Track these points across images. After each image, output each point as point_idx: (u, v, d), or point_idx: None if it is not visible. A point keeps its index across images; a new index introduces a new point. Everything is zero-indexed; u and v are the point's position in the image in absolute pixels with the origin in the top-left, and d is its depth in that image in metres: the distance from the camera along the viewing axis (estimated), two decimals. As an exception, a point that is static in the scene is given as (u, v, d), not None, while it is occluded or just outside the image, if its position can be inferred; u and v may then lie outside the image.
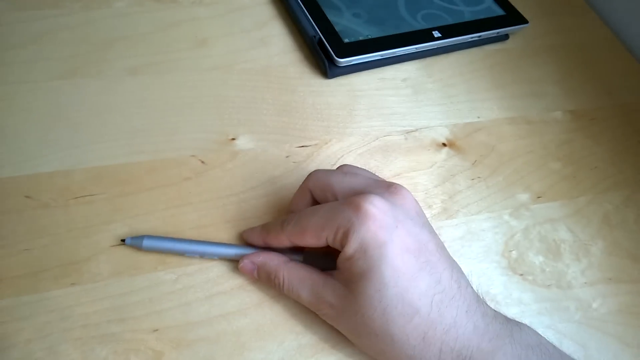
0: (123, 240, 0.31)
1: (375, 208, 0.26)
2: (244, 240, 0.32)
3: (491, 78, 0.46)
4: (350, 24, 0.44)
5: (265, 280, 0.30)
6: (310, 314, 0.30)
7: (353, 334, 0.28)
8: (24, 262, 0.30)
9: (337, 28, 0.43)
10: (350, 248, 0.26)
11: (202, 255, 0.31)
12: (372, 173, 0.32)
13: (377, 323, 0.26)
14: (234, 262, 0.32)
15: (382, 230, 0.26)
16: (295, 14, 0.45)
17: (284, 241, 0.30)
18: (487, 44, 0.48)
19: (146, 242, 0.30)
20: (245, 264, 0.31)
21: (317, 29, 0.43)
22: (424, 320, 0.25)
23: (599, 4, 0.55)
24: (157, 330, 0.29)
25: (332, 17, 0.44)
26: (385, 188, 0.29)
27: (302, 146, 0.38)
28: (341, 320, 0.28)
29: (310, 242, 0.29)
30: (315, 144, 0.38)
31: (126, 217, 0.32)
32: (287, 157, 0.37)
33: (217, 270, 0.31)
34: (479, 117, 0.43)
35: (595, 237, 0.37)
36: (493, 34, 0.48)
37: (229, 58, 0.42)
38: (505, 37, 0.49)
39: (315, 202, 0.31)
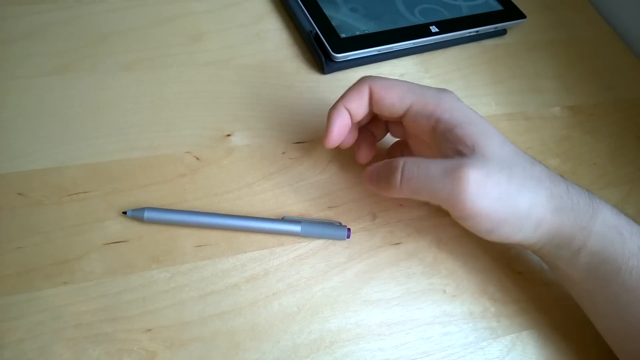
0: (125, 212, 0.31)
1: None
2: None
3: (489, 73, 0.45)
4: (347, 19, 0.44)
5: (385, 175, 0.29)
6: (306, 314, 0.30)
7: (505, 197, 0.27)
8: (16, 260, 0.29)
9: (333, 23, 0.43)
10: (450, 113, 0.29)
11: (202, 226, 0.31)
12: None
13: (517, 171, 0.28)
14: (230, 261, 0.31)
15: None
16: (291, 8, 0.44)
17: (365, 94, 0.31)
18: (485, 39, 0.48)
19: (147, 214, 0.31)
20: (367, 172, 0.31)
21: (314, 24, 0.42)
22: (543, 167, 0.29)
23: (598, -2, 0.55)
24: (150, 330, 0.28)
25: (328, 11, 0.44)
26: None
27: (299, 142, 0.37)
28: (490, 185, 0.27)
29: (390, 101, 0.30)
30: (312, 140, 0.38)
31: (120, 214, 0.32)
32: (283, 153, 0.37)
33: (212, 269, 0.31)
34: (477, 113, 0.42)
35: (594, 234, 0.37)
36: (491, 29, 0.47)
37: (224, 53, 0.41)
38: (503, 32, 0.49)
39: (371, 107, 0.32)
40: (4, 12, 0.40)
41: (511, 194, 0.27)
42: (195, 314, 0.29)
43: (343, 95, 0.32)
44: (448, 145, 0.29)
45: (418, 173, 0.28)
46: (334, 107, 0.32)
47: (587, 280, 0.29)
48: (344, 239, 0.33)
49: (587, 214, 0.28)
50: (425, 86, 0.31)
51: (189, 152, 0.35)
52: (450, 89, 0.31)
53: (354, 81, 0.42)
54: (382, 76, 0.31)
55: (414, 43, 0.44)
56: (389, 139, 0.37)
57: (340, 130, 0.32)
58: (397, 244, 0.34)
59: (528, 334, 0.32)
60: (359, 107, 0.31)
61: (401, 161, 0.29)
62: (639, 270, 0.27)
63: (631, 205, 0.39)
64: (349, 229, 0.33)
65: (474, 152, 0.28)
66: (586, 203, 0.29)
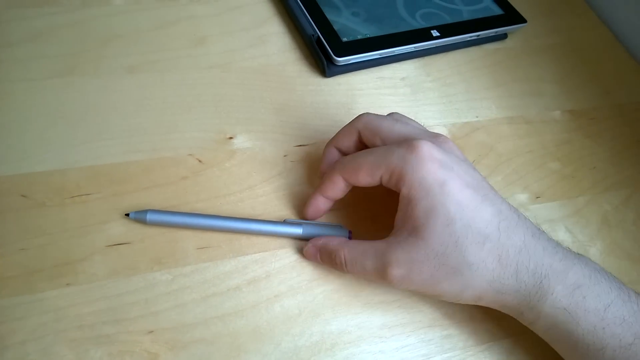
0: (127, 214, 0.31)
1: (432, 150, 0.28)
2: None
3: (490, 77, 0.46)
4: (348, 23, 0.44)
5: (328, 262, 0.31)
6: (308, 316, 0.30)
7: (430, 283, 0.28)
8: (20, 262, 0.30)
9: (335, 27, 0.43)
10: (409, 188, 0.28)
11: (205, 228, 0.32)
12: (419, 124, 0.33)
13: (452, 257, 0.27)
14: (232, 264, 0.31)
15: (441, 170, 0.28)
16: (293, 12, 0.44)
17: (339, 182, 0.31)
18: (486, 43, 0.48)
19: (150, 216, 0.31)
20: (309, 248, 0.32)
21: (316, 28, 0.43)
22: (495, 244, 0.27)
23: (598, 3, 0.55)
24: (152, 331, 0.28)
25: (330, 15, 0.44)
26: (434, 137, 0.30)
27: (300, 145, 0.38)
28: (414, 275, 0.28)
29: (364, 180, 0.30)
30: (314, 143, 0.38)
31: (122, 216, 0.32)
32: (285, 156, 0.37)
33: (214, 271, 0.31)
34: (477, 117, 0.42)
35: (594, 237, 0.37)
36: (491, 33, 0.47)
37: (227, 56, 0.42)
38: (503, 36, 0.49)
39: (360, 143, 0.33)
40: (9, 15, 0.40)
41: (438, 280, 0.27)
42: (197, 315, 0.29)
43: (319, 187, 0.33)
44: (399, 214, 0.29)
45: (355, 265, 0.29)
46: (311, 198, 0.33)
47: (549, 338, 0.29)
48: None
49: (534, 296, 0.27)
50: (394, 145, 0.29)
51: (191, 154, 0.36)
52: (418, 142, 0.29)
53: (355, 85, 0.42)
54: (349, 156, 0.31)
55: (415, 47, 0.44)
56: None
57: (319, 212, 0.34)
58: (398, 246, 0.34)
59: (527, 337, 0.32)
60: (337, 193, 0.32)
61: (342, 254, 0.30)
62: (595, 346, 0.26)
63: (632, 208, 0.39)
64: (350, 231, 0.33)
65: (412, 234, 0.28)
66: (534, 284, 0.27)
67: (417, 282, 0.28)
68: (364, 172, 0.30)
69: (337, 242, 0.31)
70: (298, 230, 0.32)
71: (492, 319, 0.32)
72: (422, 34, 0.44)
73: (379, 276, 0.29)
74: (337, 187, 0.32)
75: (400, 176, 0.28)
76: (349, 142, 0.33)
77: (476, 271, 0.27)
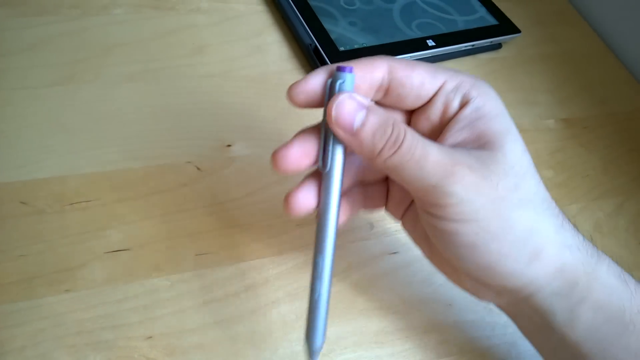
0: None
1: None
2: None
3: (485, 86, 0.46)
4: (345, 32, 0.44)
5: (373, 136, 0.22)
6: (304, 322, 0.30)
7: (501, 207, 0.22)
8: (19, 268, 0.30)
9: (332, 36, 0.44)
10: (484, 99, 0.23)
11: None
12: None
13: (528, 184, 0.23)
14: (230, 270, 0.32)
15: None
16: (291, 21, 0.45)
17: (379, 68, 0.23)
18: (480, 53, 0.49)
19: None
20: (346, 105, 0.22)
21: (313, 37, 0.43)
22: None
23: (591, 13, 0.56)
24: (151, 337, 0.29)
25: (327, 25, 0.45)
26: None
27: (298, 153, 0.38)
28: (486, 187, 0.22)
29: (418, 78, 0.23)
30: (311, 151, 0.38)
31: (121, 223, 0.32)
32: (282, 164, 0.37)
33: (212, 277, 0.31)
34: (472, 125, 0.43)
35: (588, 244, 0.37)
36: (486, 43, 0.48)
37: (225, 65, 0.42)
38: (498, 46, 0.50)
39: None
40: (9, 24, 0.41)
41: (510, 204, 0.22)
42: (195, 321, 0.30)
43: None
44: (464, 131, 0.23)
45: (416, 148, 0.22)
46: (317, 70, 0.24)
47: (585, 343, 0.23)
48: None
49: (592, 256, 0.23)
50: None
51: (190, 162, 0.36)
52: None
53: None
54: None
55: (411, 56, 0.45)
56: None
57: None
58: (395, 253, 0.35)
59: (525, 343, 0.33)
60: (366, 80, 0.24)
61: (402, 126, 0.22)
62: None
63: (624, 216, 0.40)
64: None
65: (482, 150, 0.23)
66: (589, 245, 0.24)
67: (487, 197, 0.22)
68: (423, 69, 0.24)
69: (394, 115, 0.24)
70: None
71: (487, 326, 0.33)
72: (417, 44, 0.45)
73: (439, 178, 0.21)
74: (372, 73, 0.23)
75: (472, 86, 0.24)
76: (367, 75, 0.24)
77: (546, 209, 0.23)
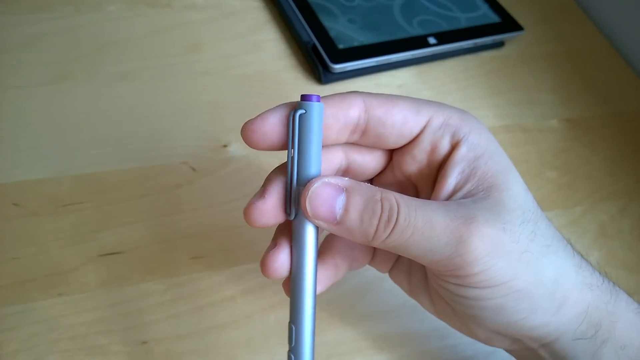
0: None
1: None
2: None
3: (486, 85, 0.46)
4: (345, 30, 0.44)
5: (361, 220, 0.19)
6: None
7: (522, 260, 0.20)
8: (11, 271, 0.29)
9: (331, 34, 0.43)
10: (478, 137, 0.21)
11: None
12: None
13: (542, 225, 0.21)
14: (226, 274, 0.31)
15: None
16: (289, 18, 0.44)
17: (354, 106, 0.21)
18: (483, 51, 0.48)
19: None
20: (320, 194, 0.19)
21: (312, 35, 0.42)
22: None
23: (595, 11, 0.55)
24: (145, 342, 0.28)
25: (326, 22, 0.44)
26: None
27: (296, 153, 0.37)
28: (504, 248, 0.20)
29: (399, 116, 0.21)
30: (309, 152, 0.38)
31: (115, 225, 0.32)
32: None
33: (208, 281, 0.31)
34: (474, 125, 0.42)
35: (591, 247, 0.37)
36: (488, 40, 0.47)
37: (222, 63, 0.41)
38: (500, 44, 0.49)
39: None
40: (1, 22, 0.40)
41: (535, 257, 0.20)
42: (190, 326, 0.29)
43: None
44: (465, 174, 0.21)
45: (416, 220, 0.19)
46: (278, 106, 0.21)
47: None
48: None
49: (612, 293, 0.22)
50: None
51: (185, 162, 0.35)
52: (447, 101, 0.28)
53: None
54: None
55: (412, 54, 0.44)
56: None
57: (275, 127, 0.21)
58: (394, 256, 0.34)
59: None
60: (339, 119, 0.21)
61: (392, 198, 0.19)
62: None
63: (628, 218, 0.39)
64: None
65: (489, 197, 0.21)
66: (605, 279, 0.23)
67: (512, 255, 0.20)
68: (404, 105, 0.21)
69: (377, 188, 0.20)
70: None
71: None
72: (419, 41, 0.44)
73: (455, 244, 0.19)
74: (345, 111, 0.21)
75: (462, 122, 0.21)
76: (340, 113, 0.21)
77: (564, 250, 0.22)
